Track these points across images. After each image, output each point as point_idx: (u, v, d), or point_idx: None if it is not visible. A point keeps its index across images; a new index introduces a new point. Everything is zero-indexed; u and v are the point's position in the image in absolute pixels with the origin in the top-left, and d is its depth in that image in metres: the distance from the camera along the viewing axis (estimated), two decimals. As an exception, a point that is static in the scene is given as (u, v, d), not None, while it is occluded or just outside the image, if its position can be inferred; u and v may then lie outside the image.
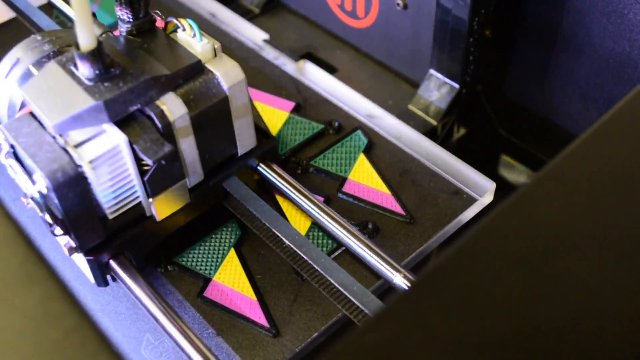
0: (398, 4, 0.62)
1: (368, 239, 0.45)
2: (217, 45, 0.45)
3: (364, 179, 0.53)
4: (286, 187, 0.49)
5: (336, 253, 0.49)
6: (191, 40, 0.45)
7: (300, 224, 0.50)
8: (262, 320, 0.45)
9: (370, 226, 0.50)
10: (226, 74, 0.44)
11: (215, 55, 0.45)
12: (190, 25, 0.45)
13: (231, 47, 0.67)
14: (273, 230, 0.46)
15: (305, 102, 0.60)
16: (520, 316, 0.26)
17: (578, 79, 0.58)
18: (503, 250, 0.29)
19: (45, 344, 0.26)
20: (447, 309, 0.27)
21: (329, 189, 0.53)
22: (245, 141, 0.48)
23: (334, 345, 0.26)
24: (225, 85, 0.44)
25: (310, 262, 0.44)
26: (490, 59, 0.63)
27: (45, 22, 0.60)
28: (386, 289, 0.47)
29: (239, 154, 0.48)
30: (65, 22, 0.65)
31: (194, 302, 0.46)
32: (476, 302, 0.27)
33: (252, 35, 0.67)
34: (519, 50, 0.62)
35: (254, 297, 0.46)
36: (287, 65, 0.64)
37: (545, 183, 0.31)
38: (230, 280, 0.47)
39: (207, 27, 0.69)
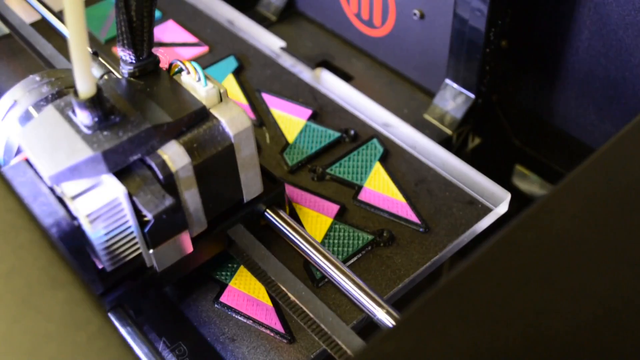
0: (415, 14, 0.63)
1: (383, 301, 0.43)
2: (223, 89, 0.43)
3: (380, 187, 0.54)
4: (293, 235, 0.47)
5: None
6: (195, 84, 0.43)
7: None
8: (277, 326, 0.45)
9: (385, 234, 0.50)
10: (231, 120, 0.42)
11: (221, 100, 0.43)
12: (195, 68, 0.43)
13: (248, 54, 0.67)
14: (278, 284, 0.44)
15: (322, 110, 0.61)
16: (536, 328, 0.27)
17: (593, 90, 0.59)
18: (520, 262, 0.29)
19: (69, 347, 0.27)
20: (465, 320, 0.27)
21: (345, 196, 0.53)
22: (251, 188, 0.46)
23: (353, 354, 0.26)
24: (230, 133, 0.42)
25: (315, 319, 0.42)
26: (506, 70, 0.63)
27: (37, 39, 0.59)
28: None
29: (245, 201, 0.47)
30: (58, 38, 0.64)
31: (210, 307, 0.47)
32: (493, 313, 0.27)
33: (270, 42, 0.68)
34: (535, 62, 0.62)
35: (269, 303, 0.47)
36: (304, 72, 0.65)
37: (563, 196, 0.32)
38: (247, 286, 0.48)
39: (225, 34, 0.70)
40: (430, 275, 0.50)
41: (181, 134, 0.41)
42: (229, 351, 0.45)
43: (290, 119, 0.60)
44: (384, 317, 0.41)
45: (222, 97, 0.43)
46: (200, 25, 0.71)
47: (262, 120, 0.60)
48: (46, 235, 0.31)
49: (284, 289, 0.44)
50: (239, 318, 0.46)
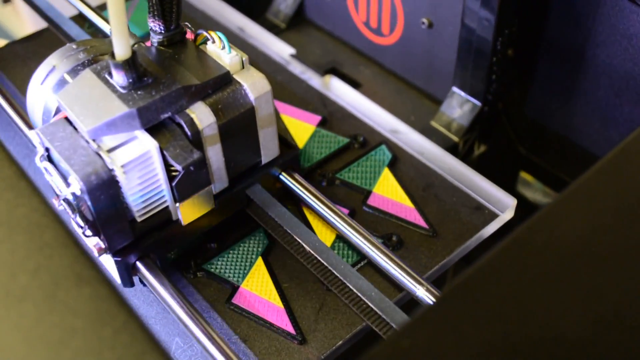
0: (423, 23, 0.64)
1: (391, 251, 0.47)
2: (245, 57, 0.46)
3: (388, 192, 0.55)
4: (307, 196, 0.50)
5: (359, 265, 0.50)
6: (220, 52, 0.46)
7: (326, 236, 0.52)
8: (288, 327, 0.46)
9: (394, 238, 0.51)
10: (253, 85, 0.46)
11: (243, 67, 0.47)
12: (219, 37, 0.46)
13: (258, 60, 0.68)
14: (294, 236, 0.48)
15: (331, 116, 0.62)
16: (547, 327, 0.27)
17: (598, 99, 0.60)
18: (531, 264, 0.30)
19: (95, 342, 0.28)
20: (478, 318, 0.28)
21: (354, 201, 0.54)
22: (269, 150, 0.50)
23: (369, 349, 0.27)
24: (252, 96, 0.46)
25: (330, 268, 0.46)
26: (512, 78, 0.64)
27: (76, 32, 0.62)
28: (408, 301, 0.48)
29: (263, 163, 0.50)
30: (95, 33, 0.67)
31: (222, 308, 0.48)
32: (505, 312, 0.28)
33: (279, 49, 0.69)
34: (540, 70, 0.63)
35: (280, 305, 0.48)
36: (313, 79, 0.66)
37: (572, 200, 0.33)
38: (258, 288, 0.49)
39: (236, 40, 0.71)
40: (436, 280, 0.51)
41: (207, 96, 0.45)
42: (240, 352, 0.46)
43: (300, 125, 0.61)
44: (424, 294, 0.44)
45: (244, 64, 0.46)
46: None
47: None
48: (70, 234, 0.32)
49: (300, 241, 0.48)
50: (251, 319, 0.47)
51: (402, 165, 0.57)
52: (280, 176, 0.51)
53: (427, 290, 0.44)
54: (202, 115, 0.44)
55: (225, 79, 0.45)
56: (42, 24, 0.70)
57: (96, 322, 0.28)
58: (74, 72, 0.47)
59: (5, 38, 1.08)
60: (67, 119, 0.44)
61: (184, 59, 0.45)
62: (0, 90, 0.59)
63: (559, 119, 0.64)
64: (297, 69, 0.67)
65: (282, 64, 0.68)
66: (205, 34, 0.47)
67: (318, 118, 0.61)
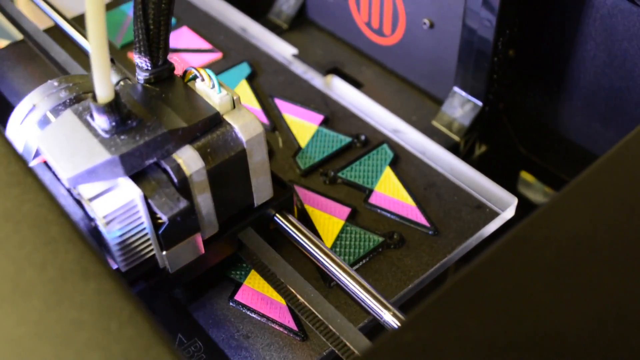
0: (425, 23, 0.64)
1: (390, 303, 0.43)
2: (236, 96, 0.44)
3: (390, 191, 0.55)
4: (303, 240, 0.48)
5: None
6: (209, 91, 0.44)
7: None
8: (290, 324, 0.47)
9: (395, 237, 0.51)
10: (244, 126, 0.44)
11: (234, 107, 0.44)
12: (209, 75, 0.44)
13: (261, 61, 0.69)
14: (287, 285, 0.46)
15: (333, 115, 0.62)
16: (548, 321, 0.28)
17: (598, 99, 0.60)
18: (533, 258, 0.30)
19: (101, 335, 0.28)
20: (480, 312, 0.28)
21: (356, 200, 0.55)
22: (262, 193, 0.47)
23: (372, 344, 0.28)
24: (243, 138, 0.44)
25: (324, 321, 0.43)
26: (513, 79, 0.65)
27: (51, 45, 0.60)
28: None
29: (256, 205, 0.48)
30: (70, 45, 0.65)
31: (225, 305, 0.48)
32: (507, 307, 0.28)
33: (282, 49, 0.70)
34: (541, 71, 0.63)
35: (283, 302, 0.48)
36: (315, 79, 0.66)
37: (573, 197, 0.33)
38: (261, 285, 0.49)
39: (238, 41, 0.71)
40: (438, 278, 0.51)
41: (195, 139, 0.42)
42: (243, 348, 0.46)
43: (303, 124, 0.61)
44: (391, 319, 0.42)
45: (235, 103, 0.44)
46: (214, 32, 0.73)
47: (275, 125, 0.61)
48: (76, 229, 0.32)
49: (293, 290, 0.45)
50: (253, 316, 0.47)
51: (404, 164, 0.58)
52: (275, 218, 0.49)
53: (394, 315, 0.42)
54: (189, 160, 0.42)
55: (215, 120, 0.43)
56: (16, 36, 0.68)
57: (102, 315, 0.29)
58: (56, 112, 0.45)
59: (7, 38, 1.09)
60: (46, 163, 0.42)
61: (171, 99, 0.43)
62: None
63: (559, 119, 0.64)
64: (299, 68, 0.68)
65: (285, 64, 0.69)
66: (193, 70, 0.45)
67: (320, 117, 0.62)
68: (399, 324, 0.42)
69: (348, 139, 0.59)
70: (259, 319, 0.47)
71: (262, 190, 0.47)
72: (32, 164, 0.43)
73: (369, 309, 0.44)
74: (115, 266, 0.42)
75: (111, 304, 0.29)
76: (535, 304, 0.29)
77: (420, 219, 0.53)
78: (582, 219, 0.32)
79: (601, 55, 0.58)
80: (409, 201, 0.54)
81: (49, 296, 0.29)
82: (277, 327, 0.47)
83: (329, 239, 0.52)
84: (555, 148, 0.67)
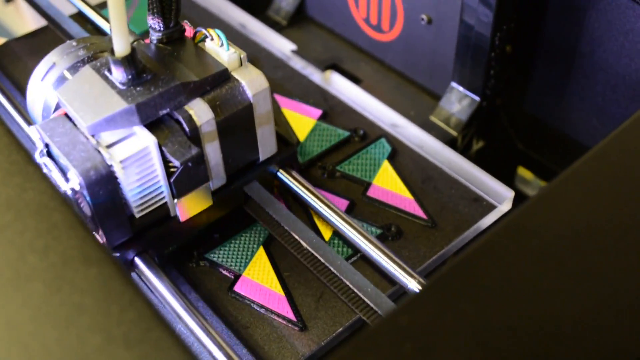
0: (422, 19, 0.65)
1: (384, 245, 0.47)
2: (243, 54, 0.47)
3: (388, 184, 0.55)
4: (305, 194, 0.51)
5: (353, 259, 0.50)
6: (218, 49, 0.46)
7: (325, 230, 0.52)
8: (289, 314, 0.47)
9: (393, 229, 0.52)
10: (251, 82, 0.46)
11: (241, 65, 0.47)
12: (218, 35, 0.46)
13: (260, 56, 0.69)
14: (291, 233, 0.48)
15: (332, 110, 0.63)
16: (543, 305, 0.28)
17: (595, 95, 0.61)
18: (528, 244, 0.31)
19: (102, 318, 0.29)
20: (476, 296, 0.29)
21: (354, 193, 0.55)
22: (266, 147, 0.50)
23: (369, 327, 0.28)
24: (249, 93, 0.46)
25: (327, 264, 0.46)
26: (510, 74, 0.65)
27: (76, 30, 0.62)
28: (401, 294, 0.49)
29: (261, 160, 0.50)
30: (94, 31, 0.67)
31: (225, 296, 0.49)
32: (503, 291, 0.29)
33: (281, 45, 0.70)
34: (538, 66, 0.64)
35: (282, 293, 0.48)
36: (314, 75, 0.67)
37: (566, 185, 0.34)
38: (260, 276, 0.49)
39: (238, 37, 0.72)
40: (435, 269, 0.52)
41: (205, 93, 0.45)
42: (242, 338, 0.46)
43: (301, 119, 0.61)
44: (377, 254, 0.46)
45: (242, 61, 0.47)
46: (212, 27, 0.73)
47: (274, 119, 0.62)
48: (78, 216, 0.33)
49: (297, 237, 0.48)
50: (253, 307, 0.48)
51: (402, 158, 0.58)
52: (278, 173, 0.52)
53: (419, 282, 0.44)
54: (200, 111, 0.44)
55: (224, 76, 0.46)
56: (43, 22, 0.70)
57: (103, 300, 0.29)
58: (74, 68, 0.47)
59: (6, 36, 1.09)
60: (66, 115, 0.44)
61: (182, 56, 0.46)
62: (0, 88, 0.59)
63: (556, 114, 0.65)
64: (298, 64, 0.68)
65: (284, 60, 0.69)
66: (203, 31, 0.47)
67: (319, 112, 0.62)
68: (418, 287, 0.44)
69: (346, 133, 0.60)
70: (257, 309, 0.48)
71: (266, 144, 0.50)
72: (53, 116, 0.45)
73: (357, 246, 0.47)
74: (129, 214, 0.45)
75: (112, 288, 0.30)
76: (529, 289, 0.29)
77: (418, 211, 0.53)
78: (573, 207, 0.32)
79: (598, 51, 0.58)
80: (407, 194, 0.55)
81: (50, 281, 0.30)
82: (275, 317, 0.47)
83: (327, 231, 0.52)
84: (552, 143, 0.67)
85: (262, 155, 0.50)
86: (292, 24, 0.78)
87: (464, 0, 0.59)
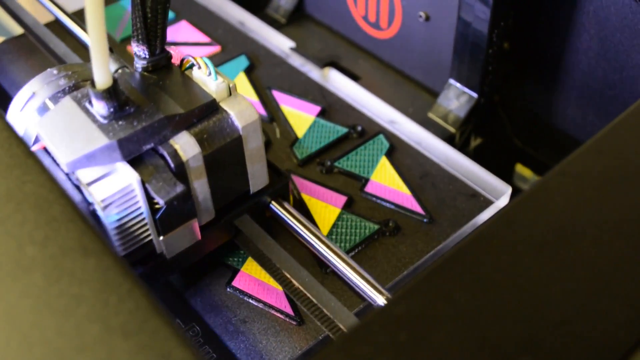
0: (420, 16, 0.65)
1: (384, 289, 0.44)
2: (232, 84, 0.45)
3: (386, 180, 0.56)
4: (298, 227, 0.48)
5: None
6: (206, 78, 0.44)
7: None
8: (287, 309, 0.47)
9: (391, 224, 0.52)
10: (240, 113, 0.44)
11: (230, 94, 0.45)
12: (205, 63, 0.44)
13: (259, 54, 0.69)
14: (283, 271, 0.46)
15: (330, 107, 0.63)
16: (536, 294, 0.29)
17: (592, 91, 0.61)
18: (521, 236, 0.31)
19: (101, 308, 0.29)
20: (469, 286, 0.29)
21: (352, 188, 0.55)
22: (257, 180, 0.48)
23: (363, 317, 0.29)
24: (239, 125, 0.44)
25: (319, 305, 0.44)
26: (508, 71, 0.65)
27: (52, 39, 0.60)
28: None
29: (252, 192, 0.48)
30: (70, 39, 0.66)
31: (223, 291, 0.49)
32: (496, 280, 0.29)
33: (280, 43, 0.70)
34: (536, 63, 0.64)
35: (279, 288, 0.49)
36: (313, 72, 0.67)
37: (559, 177, 0.34)
38: (257, 272, 0.50)
39: (237, 34, 0.72)
40: (432, 263, 0.52)
41: (192, 125, 0.43)
42: (240, 333, 0.47)
43: (300, 115, 0.62)
44: (384, 303, 0.43)
45: (231, 91, 0.45)
46: (212, 25, 0.73)
47: (273, 116, 0.62)
48: (76, 209, 0.33)
49: (288, 276, 0.46)
50: (250, 301, 0.48)
51: (400, 154, 0.58)
52: (270, 205, 0.50)
53: (387, 299, 0.42)
54: (186, 146, 0.42)
55: (211, 107, 0.44)
56: (16, 31, 0.69)
57: (102, 290, 0.29)
58: (55, 98, 0.45)
59: (6, 35, 1.09)
60: (45, 149, 0.43)
61: (168, 86, 0.44)
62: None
63: (554, 111, 0.65)
64: (297, 61, 0.69)
65: (282, 57, 0.69)
66: (190, 59, 0.45)
67: (317, 108, 0.62)
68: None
69: (344, 130, 0.60)
70: (255, 304, 0.48)
71: (258, 177, 0.48)
72: (32, 149, 0.43)
73: (363, 295, 0.44)
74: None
75: (110, 279, 0.30)
76: (521, 279, 0.29)
77: (416, 207, 0.54)
78: (566, 200, 0.33)
79: (595, 47, 0.58)
80: (405, 190, 0.55)
81: (49, 272, 0.30)
82: (273, 312, 0.47)
83: (325, 226, 0.52)
84: (550, 140, 0.67)
85: (253, 188, 0.48)
86: (291, 22, 0.79)
87: (462, -3, 0.59)
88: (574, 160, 0.34)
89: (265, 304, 0.48)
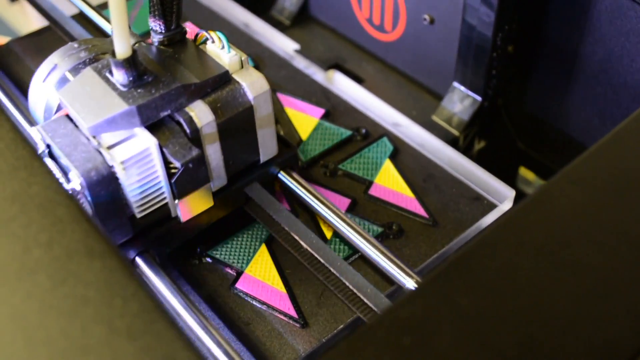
0: (425, 19, 0.65)
1: (383, 245, 0.47)
2: (245, 57, 0.47)
3: (390, 183, 0.56)
4: (305, 195, 0.51)
5: (353, 258, 0.50)
6: (220, 51, 0.46)
7: (327, 230, 0.52)
8: (291, 311, 0.48)
9: (395, 227, 0.52)
10: (252, 84, 0.46)
11: (242, 67, 0.47)
12: (219, 37, 0.46)
13: (263, 56, 0.70)
14: (292, 234, 0.48)
15: (334, 109, 0.63)
16: (539, 299, 0.29)
17: (596, 95, 0.61)
18: (525, 241, 0.31)
19: (106, 310, 0.29)
20: (473, 291, 0.29)
21: (356, 191, 0.55)
22: (267, 149, 0.50)
23: (369, 319, 0.29)
24: (250, 95, 0.46)
25: (326, 264, 0.46)
26: (512, 74, 0.65)
27: (78, 30, 0.63)
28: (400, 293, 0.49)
29: (261, 161, 0.51)
30: (95, 32, 0.67)
31: (227, 293, 0.49)
32: (500, 285, 0.29)
33: (284, 45, 0.70)
34: (539, 67, 0.64)
35: (283, 290, 0.49)
36: (317, 74, 0.67)
37: (563, 183, 0.34)
38: (261, 274, 0.50)
39: (241, 36, 0.72)
40: (435, 267, 0.52)
41: (206, 95, 0.45)
42: (244, 334, 0.47)
43: (304, 118, 0.62)
44: (377, 255, 0.46)
45: (243, 64, 0.47)
46: (217, 27, 0.73)
47: (277, 118, 0.62)
48: (82, 210, 0.33)
49: (297, 238, 0.48)
50: (254, 303, 0.48)
51: (403, 157, 0.58)
52: (279, 175, 0.52)
53: (417, 282, 0.44)
54: (201, 113, 0.44)
55: (225, 78, 0.46)
56: (43, 22, 0.71)
57: (107, 292, 0.30)
58: (75, 70, 0.48)
59: (11, 35, 1.10)
60: (68, 116, 0.44)
61: (183, 58, 0.46)
62: (2, 87, 0.60)
63: (558, 115, 0.65)
64: (301, 63, 0.69)
65: (287, 59, 0.69)
66: (205, 33, 0.47)
67: (322, 111, 0.62)
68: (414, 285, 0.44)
69: (348, 132, 0.60)
70: (259, 306, 0.48)
71: (267, 146, 0.50)
72: (55, 117, 0.45)
73: (357, 247, 0.47)
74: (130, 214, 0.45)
75: (115, 281, 0.30)
76: (524, 283, 0.29)
77: (419, 210, 0.54)
78: (573, 201, 0.33)
79: (599, 51, 0.58)
80: (408, 193, 0.55)
81: (55, 274, 0.30)
82: (277, 314, 0.48)
83: (327, 233, 0.52)
84: (554, 144, 0.67)
85: (263, 157, 0.50)
86: (296, 24, 0.79)
87: (466, 0, 0.59)
88: (578, 166, 0.34)
89: (269, 306, 0.48)
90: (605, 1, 0.56)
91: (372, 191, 0.55)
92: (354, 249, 0.50)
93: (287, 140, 0.53)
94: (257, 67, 0.68)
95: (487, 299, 0.29)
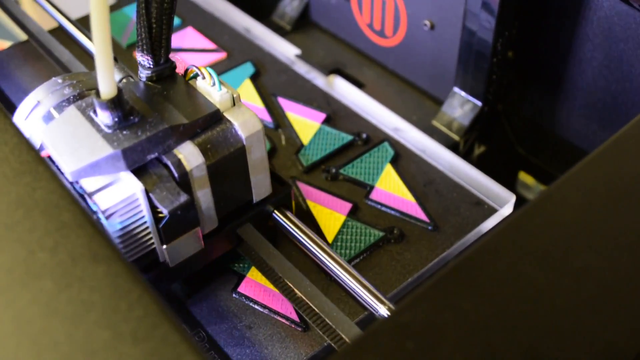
0: (425, 25, 0.65)
1: (386, 298, 0.44)
2: (236, 94, 0.45)
3: (391, 187, 0.56)
4: (301, 236, 0.49)
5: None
6: (210, 89, 0.45)
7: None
8: (292, 315, 0.48)
9: (396, 231, 0.52)
10: (244, 123, 0.44)
11: (234, 105, 0.45)
12: (209, 73, 0.45)
13: (264, 61, 0.70)
14: (285, 280, 0.46)
15: (335, 114, 0.63)
16: (541, 304, 0.29)
17: (595, 100, 0.61)
18: (527, 246, 0.31)
19: (111, 315, 0.29)
20: (476, 296, 0.29)
21: (357, 195, 0.56)
22: (260, 189, 0.48)
23: (371, 324, 0.29)
24: (242, 135, 0.44)
25: (321, 314, 0.44)
26: (512, 80, 0.66)
27: (55, 45, 0.61)
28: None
29: (255, 201, 0.49)
30: (74, 46, 0.66)
31: (229, 297, 0.49)
32: (502, 290, 0.29)
33: (285, 50, 0.71)
34: (539, 72, 0.65)
35: (284, 294, 0.49)
36: (318, 79, 0.67)
37: (564, 188, 0.34)
38: (263, 278, 0.50)
39: (242, 41, 0.73)
40: (437, 272, 0.52)
41: (196, 135, 0.43)
42: (245, 338, 0.47)
43: (305, 122, 0.62)
44: (386, 313, 0.43)
45: (235, 101, 0.45)
46: (218, 32, 0.74)
47: (278, 123, 0.62)
48: (86, 215, 0.34)
49: (291, 285, 0.46)
50: (256, 307, 0.48)
51: (404, 161, 0.59)
52: (273, 214, 0.50)
53: (389, 309, 0.42)
54: (190, 155, 0.42)
55: (215, 117, 0.44)
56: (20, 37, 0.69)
57: (112, 296, 0.30)
58: (60, 108, 0.45)
59: (12, 40, 1.10)
60: (50, 158, 0.43)
61: (172, 96, 0.44)
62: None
63: (557, 120, 0.66)
64: (302, 68, 0.69)
65: (288, 64, 0.70)
66: (194, 69, 0.45)
67: (323, 115, 0.63)
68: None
69: (349, 137, 0.60)
70: (261, 310, 0.48)
71: (261, 186, 0.48)
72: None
73: (365, 304, 0.45)
74: None
75: (120, 285, 0.30)
76: (527, 288, 0.30)
77: (420, 214, 0.54)
78: (575, 207, 0.33)
79: (598, 57, 0.59)
80: (409, 197, 0.55)
81: (59, 278, 0.30)
82: (279, 318, 0.48)
83: (330, 233, 0.53)
84: (553, 149, 0.68)
85: (256, 197, 0.48)
86: (297, 29, 0.79)
87: (467, 6, 0.60)
88: (579, 172, 0.35)
89: (270, 310, 0.48)
90: (604, 7, 0.56)
91: (374, 196, 0.56)
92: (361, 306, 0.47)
93: (281, 177, 0.51)
94: (258, 72, 0.68)
95: (490, 304, 0.29)
